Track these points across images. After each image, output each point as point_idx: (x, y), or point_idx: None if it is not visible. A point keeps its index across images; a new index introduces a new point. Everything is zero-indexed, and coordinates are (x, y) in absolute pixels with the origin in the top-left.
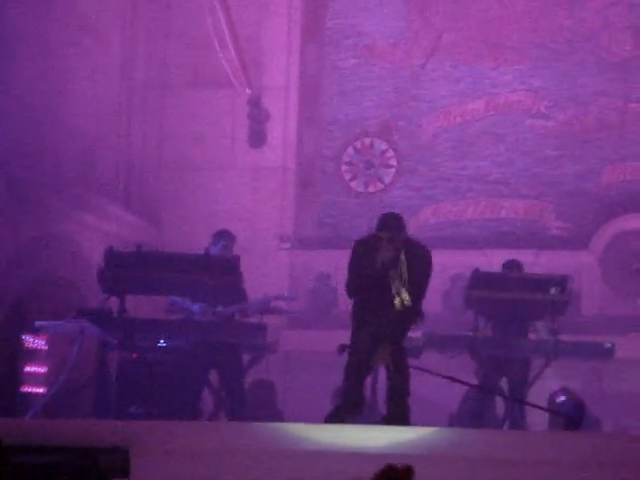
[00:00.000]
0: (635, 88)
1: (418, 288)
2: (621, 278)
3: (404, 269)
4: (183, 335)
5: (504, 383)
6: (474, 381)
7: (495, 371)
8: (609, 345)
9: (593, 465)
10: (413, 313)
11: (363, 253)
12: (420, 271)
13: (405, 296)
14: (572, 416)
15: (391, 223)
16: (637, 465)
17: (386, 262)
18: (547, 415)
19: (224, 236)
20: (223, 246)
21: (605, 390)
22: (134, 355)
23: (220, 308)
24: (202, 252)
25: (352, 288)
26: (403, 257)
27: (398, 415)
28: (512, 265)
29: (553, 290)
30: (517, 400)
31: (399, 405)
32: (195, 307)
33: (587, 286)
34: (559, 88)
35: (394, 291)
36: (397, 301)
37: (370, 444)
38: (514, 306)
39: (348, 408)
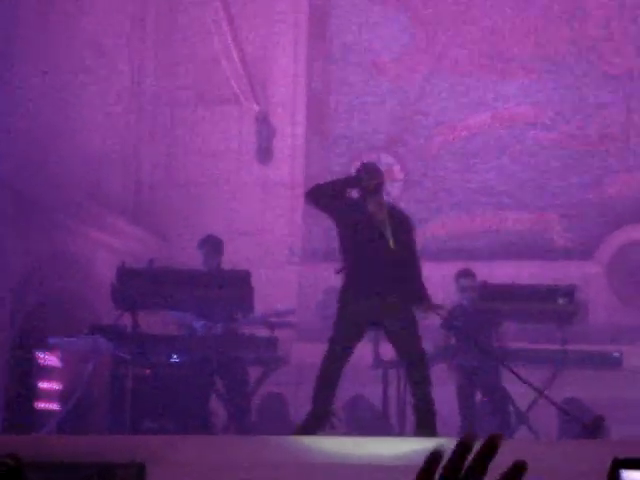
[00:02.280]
0: (637, 100)
1: (413, 262)
2: (627, 288)
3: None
4: (194, 350)
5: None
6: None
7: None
8: (617, 355)
9: (603, 472)
10: (414, 296)
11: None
12: (409, 240)
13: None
14: (590, 424)
15: (372, 169)
16: None
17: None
18: (558, 424)
19: (202, 243)
20: (203, 253)
21: (613, 399)
22: (147, 371)
23: (219, 325)
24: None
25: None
26: (387, 218)
27: (425, 427)
28: (466, 274)
29: (561, 300)
30: (563, 411)
31: (425, 415)
32: (197, 324)
33: (594, 296)
34: (562, 100)
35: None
36: (391, 242)
37: (384, 455)
38: (523, 316)
39: (313, 421)
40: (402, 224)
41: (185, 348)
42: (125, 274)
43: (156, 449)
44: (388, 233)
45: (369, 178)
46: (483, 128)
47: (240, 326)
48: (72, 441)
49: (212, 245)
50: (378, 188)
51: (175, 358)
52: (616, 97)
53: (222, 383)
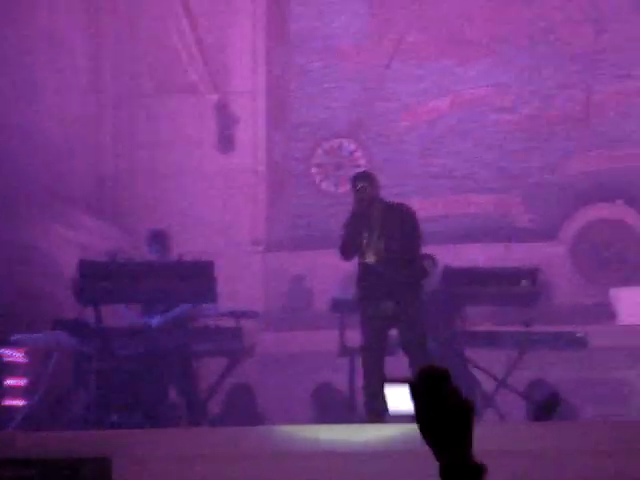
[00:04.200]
0: (597, 80)
1: (408, 251)
2: (592, 267)
3: (376, 225)
4: (156, 342)
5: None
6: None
7: None
8: (581, 334)
9: (574, 453)
10: (414, 274)
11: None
12: (403, 232)
13: (371, 256)
14: (544, 404)
15: (360, 176)
16: (615, 451)
17: (358, 214)
18: (525, 405)
19: (150, 238)
20: (154, 250)
21: (579, 379)
22: (111, 364)
23: (157, 317)
24: (175, 258)
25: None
26: (377, 214)
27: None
28: (426, 257)
29: (523, 282)
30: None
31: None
32: (152, 320)
33: (558, 276)
34: (522, 82)
35: (364, 246)
36: (368, 257)
37: (355, 442)
38: (486, 300)
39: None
40: (395, 217)
41: (144, 341)
42: (86, 268)
43: (122, 443)
44: (377, 231)
45: (353, 187)
46: (444, 112)
47: (201, 318)
48: (38, 437)
49: (158, 240)
50: (361, 192)
51: (138, 351)
52: (576, 78)
53: (177, 376)
